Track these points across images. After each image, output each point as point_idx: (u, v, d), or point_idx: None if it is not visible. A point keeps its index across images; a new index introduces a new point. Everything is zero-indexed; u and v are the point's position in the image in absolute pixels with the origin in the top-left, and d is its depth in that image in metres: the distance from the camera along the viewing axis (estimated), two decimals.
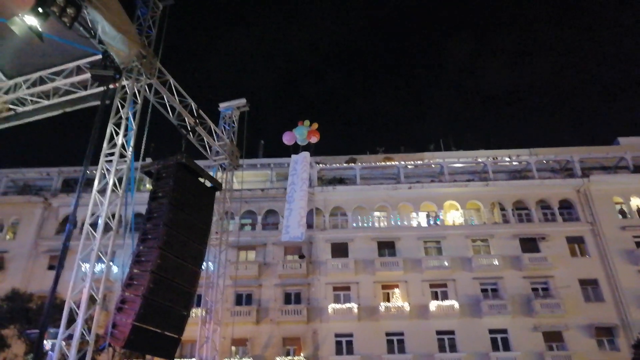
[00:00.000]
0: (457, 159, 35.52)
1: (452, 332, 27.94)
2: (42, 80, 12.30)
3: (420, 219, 32.51)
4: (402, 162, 34.76)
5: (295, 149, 16.40)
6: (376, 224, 32.71)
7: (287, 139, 15.78)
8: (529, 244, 30.55)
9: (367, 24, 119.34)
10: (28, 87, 12.30)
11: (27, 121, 12.85)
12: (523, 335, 27.44)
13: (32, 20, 9.10)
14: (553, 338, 27.47)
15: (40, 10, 9.01)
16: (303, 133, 15.48)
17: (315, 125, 15.49)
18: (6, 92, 12.48)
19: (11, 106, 12.72)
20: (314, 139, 15.45)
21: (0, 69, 12.31)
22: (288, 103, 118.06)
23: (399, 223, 32.24)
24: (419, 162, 35.45)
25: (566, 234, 30.76)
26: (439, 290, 29.40)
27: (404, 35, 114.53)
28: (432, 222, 32.54)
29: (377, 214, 32.93)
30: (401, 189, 32.77)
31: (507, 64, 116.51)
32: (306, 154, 15.84)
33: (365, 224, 32.68)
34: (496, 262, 29.65)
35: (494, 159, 35.10)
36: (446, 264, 29.70)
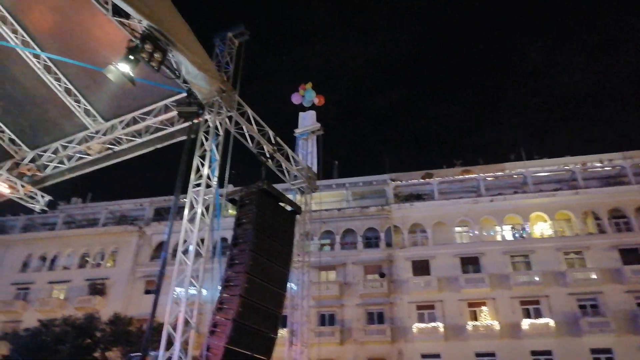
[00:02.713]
0: (541, 168, 33.72)
1: (548, 352, 26.22)
2: (134, 121, 13.37)
3: (504, 232, 31.08)
4: (482, 175, 33.60)
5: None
6: (458, 240, 31.72)
7: (295, 99, 17.14)
8: (631, 255, 28.11)
9: (431, 32, 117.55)
10: (123, 128, 13.41)
11: (123, 159, 14.03)
12: (631, 355, 25.11)
13: (124, 67, 9.97)
14: None
15: (131, 57, 9.86)
16: (312, 95, 16.81)
17: (310, 85, 17.06)
18: (104, 134, 13.69)
19: (109, 146, 13.93)
20: (317, 101, 17.04)
21: (99, 113, 13.56)
22: (358, 120, 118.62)
23: (482, 238, 31.01)
24: (499, 173, 34.06)
25: None
26: (530, 307, 27.79)
27: (470, 40, 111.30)
28: (518, 236, 30.98)
29: (458, 229, 31.96)
30: (482, 202, 31.60)
31: (587, 59, 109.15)
32: (313, 112, 17.09)
33: (447, 240, 31.77)
34: (594, 276, 27.54)
35: (582, 165, 32.87)
36: (537, 279, 28.06)
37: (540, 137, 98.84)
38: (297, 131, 18.10)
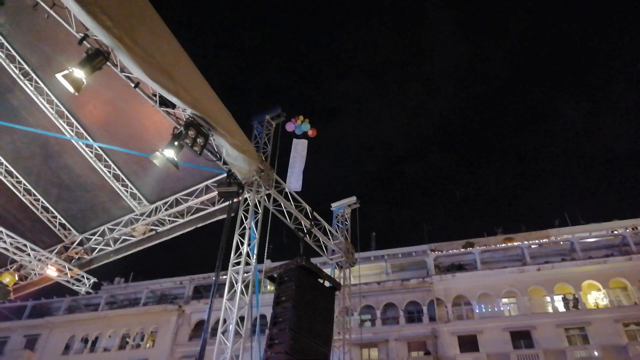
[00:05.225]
0: (589, 233, 32.35)
1: None
2: (177, 202, 13.90)
3: (556, 303, 29.40)
4: (526, 242, 32.45)
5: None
6: (506, 312, 30.15)
7: (289, 127, 17.68)
8: None
9: (469, 98, 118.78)
10: (166, 209, 13.94)
11: (165, 239, 14.43)
12: None
13: (169, 153, 10.53)
14: None
15: (176, 143, 10.45)
16: (306, 127, 17.25)
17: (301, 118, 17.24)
18: (148, 216, 14.24)
19: (152, 227, 14.42)
20: (310, 132, 16.97)
21: (144, 196, 14.20)
22: (394, 190, 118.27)
23: (532, 310, 29.37)
24: (544, 240, 32.82)
25: None
26: None
27: (508, 104, 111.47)
28: (571, 306, 29.21)
29: (505, 300, 30.47)
30: (529, 271, 30.25)
31: (630, 118, 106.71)
32: (305, 141, 17.24)
33: (493, 313, 30.22)
34: None
35: (633, 229, 31.37)
36: (596, 354, 26.03)
37: (584, 200, 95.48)
38: (334, 205, 18.23)
